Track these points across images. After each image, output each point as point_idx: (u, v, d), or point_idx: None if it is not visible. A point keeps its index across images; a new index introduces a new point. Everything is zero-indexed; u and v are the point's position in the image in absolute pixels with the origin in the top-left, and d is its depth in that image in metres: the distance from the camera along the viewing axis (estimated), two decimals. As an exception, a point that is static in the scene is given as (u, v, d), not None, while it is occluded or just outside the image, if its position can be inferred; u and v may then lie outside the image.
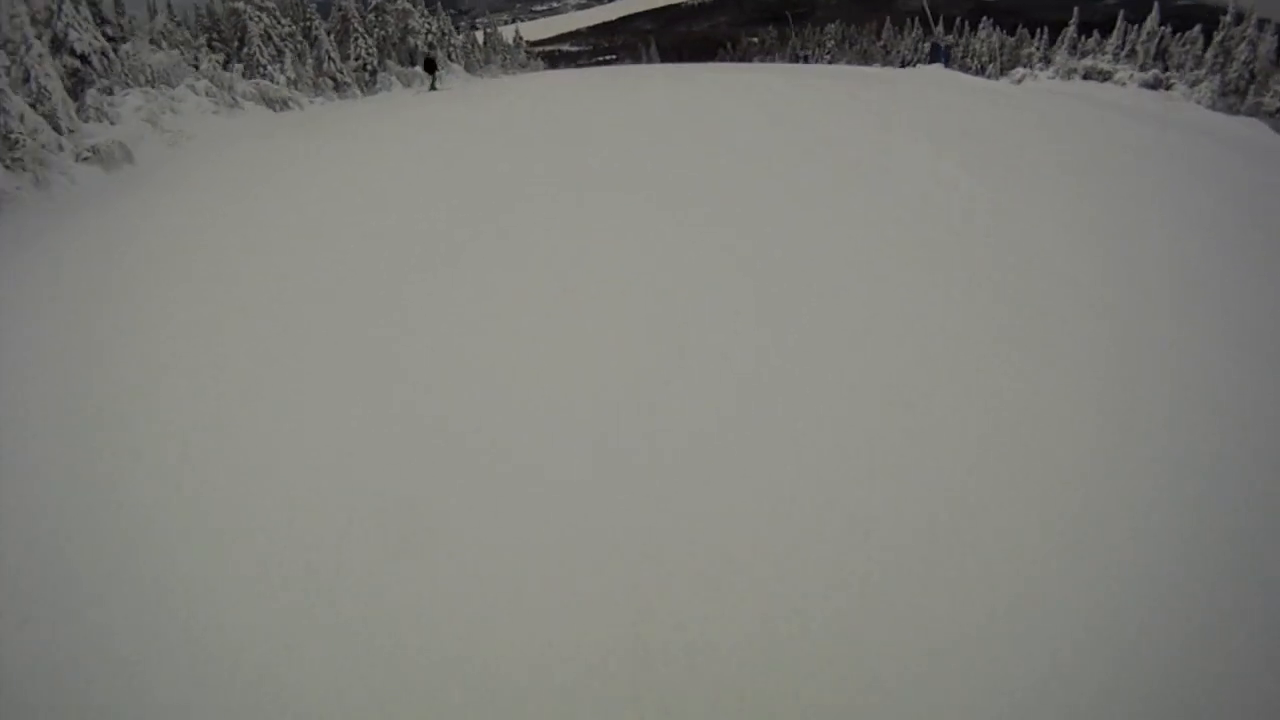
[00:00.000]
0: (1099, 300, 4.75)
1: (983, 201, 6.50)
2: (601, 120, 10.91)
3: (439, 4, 31.20)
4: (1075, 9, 29.16)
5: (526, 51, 46.14)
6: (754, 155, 8.30)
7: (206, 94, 13.58)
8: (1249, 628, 2.47)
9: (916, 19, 39.17)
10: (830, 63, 43.13)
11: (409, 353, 4.27)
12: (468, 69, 31.38)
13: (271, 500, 3.17)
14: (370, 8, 26.85)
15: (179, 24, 19.88)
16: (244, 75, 17.24)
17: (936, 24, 37.62)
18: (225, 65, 18.26)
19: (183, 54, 16.45)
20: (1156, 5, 23.97)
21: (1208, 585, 2.64)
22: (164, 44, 16.76)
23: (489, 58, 34.81)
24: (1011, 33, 34.67)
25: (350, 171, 8.48)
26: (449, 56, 30.21)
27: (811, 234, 5.79)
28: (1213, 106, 21.65)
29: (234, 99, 14.45)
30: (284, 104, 15.70)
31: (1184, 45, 24.96)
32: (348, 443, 3.53)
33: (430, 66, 21.52)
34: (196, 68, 14.94)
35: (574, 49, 76.91)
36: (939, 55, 25.32)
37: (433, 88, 20.70)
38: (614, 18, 76.38)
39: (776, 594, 2.64)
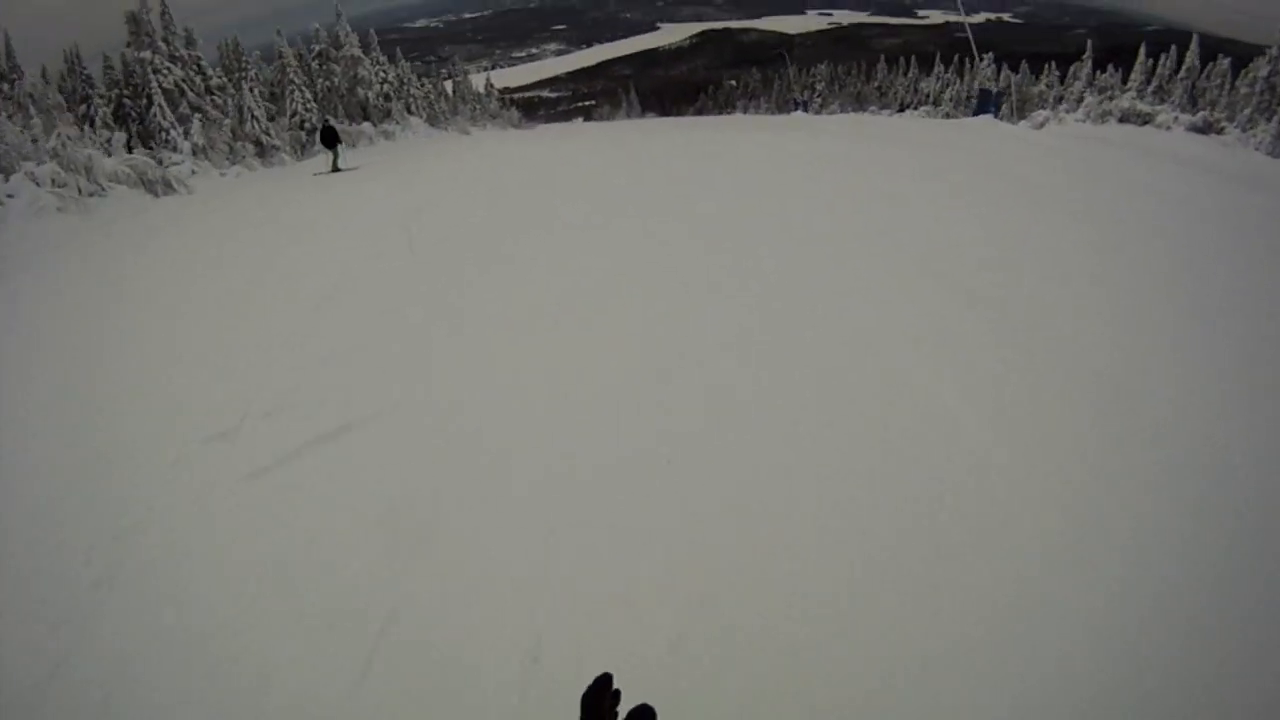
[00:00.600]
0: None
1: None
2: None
3: (399, 51, 28.48)
4: (1089, 42, 26.89)
5: (499, 100, 43.52)
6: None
7: (53, 182, 10.32)
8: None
9: (913, 58, 36.98)
10: (820, 108, 40.78)
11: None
12: (430, 121, 28.44)
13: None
14: (314, 54, 23.91)
15: (82, 76, 16.79)
16: (130, 146, 14.07)
17: (910, 66, 35.55)
18: (121, 128, 15.15)
19: (52, 119, 13.31)
20: (1196, 39, 21.38)
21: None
22: (31, 109, 13.64)
23: (456, 108, 31.91)
24: (1014, 69, 32.41)
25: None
26: (408, 109, 27.22)
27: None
28: (1272, 153, 19.02)
29: (96, 184, 11.19)
30: (167, 185, 12.43)
31: (1212, 80, 22.48)
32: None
33: (329, 139, 15.38)
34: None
35: (553, 95, 75.27)
36: (988, 105, 21.24)
37: (335, 168, 15.00)
38: (592, 63, 74.86)
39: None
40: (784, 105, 42.79)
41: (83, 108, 16.61)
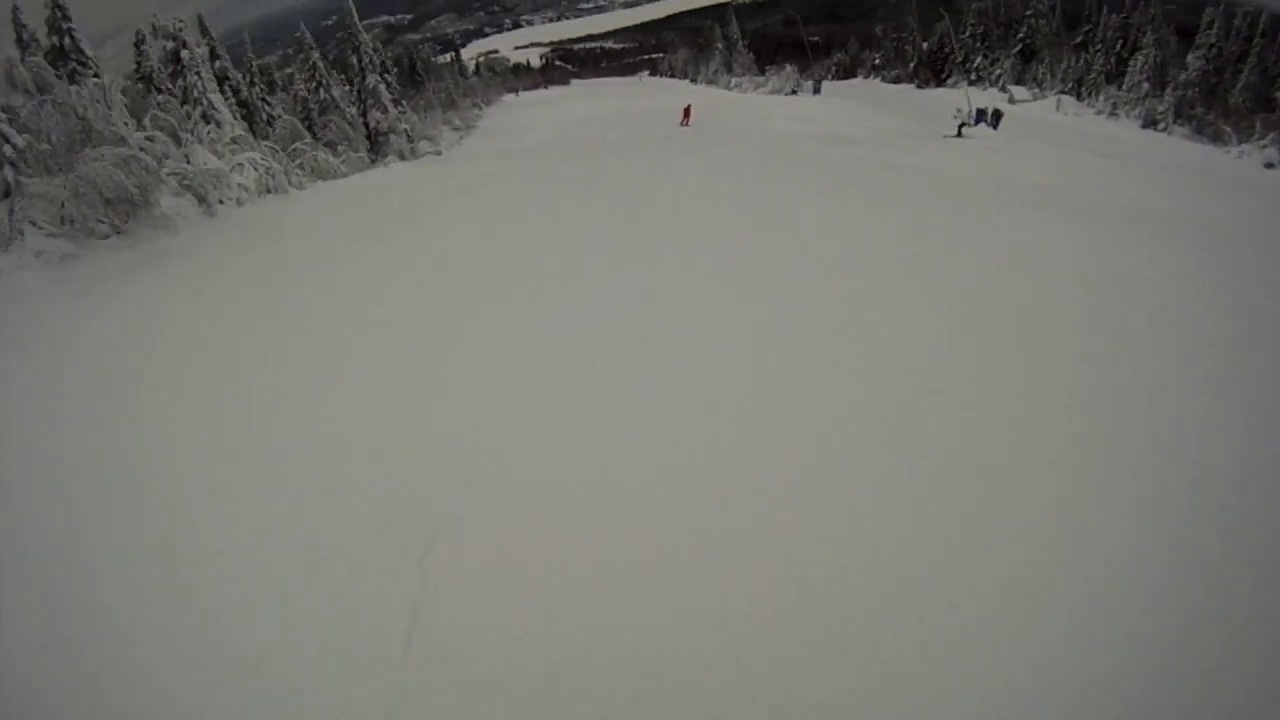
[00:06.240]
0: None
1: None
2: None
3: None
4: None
5: (491, 81, 34.71)
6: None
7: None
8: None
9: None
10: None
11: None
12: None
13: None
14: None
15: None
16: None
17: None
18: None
19: None
20: None
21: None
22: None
23: (457, 97, 27.40)
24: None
25: None
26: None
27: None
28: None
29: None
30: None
31: None
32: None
33: None
34: None
35: (617, 46, 71.31)
36: (983, 119, 24.50)
37: None
38: (661, 16, 70.05)
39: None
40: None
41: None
